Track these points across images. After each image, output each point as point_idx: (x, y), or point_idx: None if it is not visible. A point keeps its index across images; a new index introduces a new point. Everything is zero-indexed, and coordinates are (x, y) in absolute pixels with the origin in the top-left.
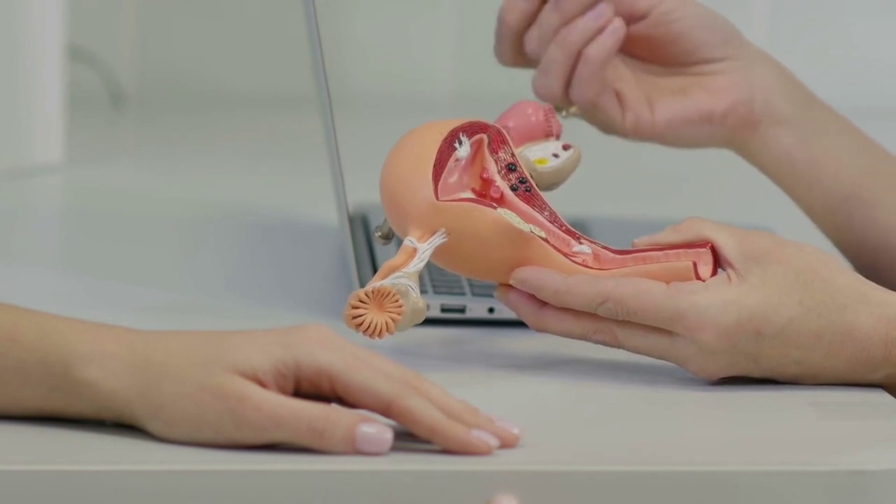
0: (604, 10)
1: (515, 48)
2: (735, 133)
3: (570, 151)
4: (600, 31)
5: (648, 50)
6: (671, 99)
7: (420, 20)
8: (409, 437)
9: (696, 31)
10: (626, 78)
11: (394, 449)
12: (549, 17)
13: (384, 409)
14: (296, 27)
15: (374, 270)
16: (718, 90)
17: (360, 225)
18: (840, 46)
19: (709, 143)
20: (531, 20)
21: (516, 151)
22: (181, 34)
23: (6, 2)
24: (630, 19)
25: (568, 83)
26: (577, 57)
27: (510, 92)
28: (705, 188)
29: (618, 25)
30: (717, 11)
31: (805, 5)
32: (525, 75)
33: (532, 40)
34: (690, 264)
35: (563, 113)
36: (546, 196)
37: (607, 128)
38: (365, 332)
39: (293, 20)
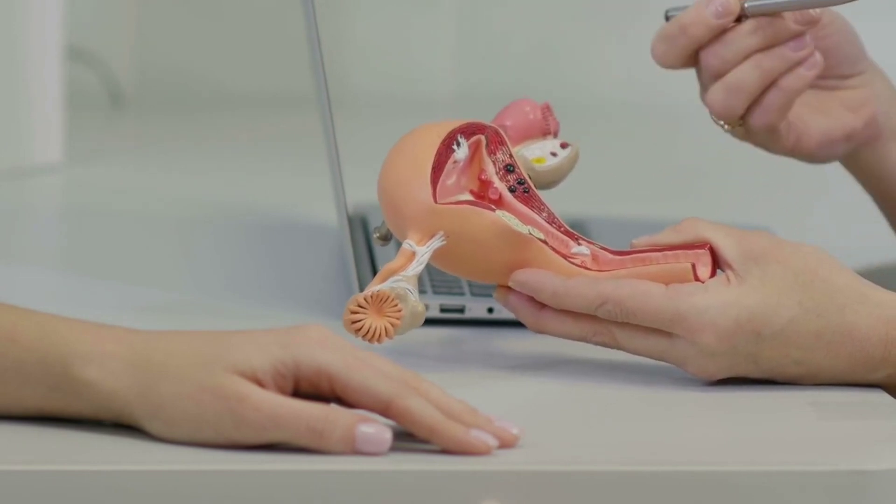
0: (808, 42)
1: (686, 56)
2: (858, 148)
3: (568, 149)
4: (800, 62)
5: None
6: (819, 118)
7: (420, 20)
8: (408, 437)
9: (844, 46)
10: None
11: (393, 449)
12: (744, 39)
13: (383, 410)
14: (296, 27)
15: (374, 271)
16: (856, 107)
17: (359, 225)
18: None
19: (837, 159)
20: (716, 36)
21: (514, 151)
22: (181, 34)
23: (6, 2)
24: None
25: (751, 105)
26: (769, 83)
27: (510, 92)
28: (704, 188)
29: (819, 59)
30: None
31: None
32: (525, 75)
33: (714, 56)
34: (689, 265)
35: (727, 127)
36: (544, 196)
37: (762, 145)
38: (364, 336)
39: (293, 20)
